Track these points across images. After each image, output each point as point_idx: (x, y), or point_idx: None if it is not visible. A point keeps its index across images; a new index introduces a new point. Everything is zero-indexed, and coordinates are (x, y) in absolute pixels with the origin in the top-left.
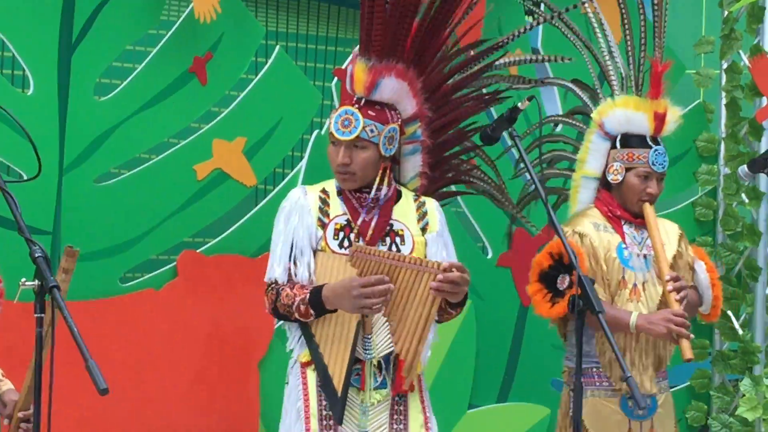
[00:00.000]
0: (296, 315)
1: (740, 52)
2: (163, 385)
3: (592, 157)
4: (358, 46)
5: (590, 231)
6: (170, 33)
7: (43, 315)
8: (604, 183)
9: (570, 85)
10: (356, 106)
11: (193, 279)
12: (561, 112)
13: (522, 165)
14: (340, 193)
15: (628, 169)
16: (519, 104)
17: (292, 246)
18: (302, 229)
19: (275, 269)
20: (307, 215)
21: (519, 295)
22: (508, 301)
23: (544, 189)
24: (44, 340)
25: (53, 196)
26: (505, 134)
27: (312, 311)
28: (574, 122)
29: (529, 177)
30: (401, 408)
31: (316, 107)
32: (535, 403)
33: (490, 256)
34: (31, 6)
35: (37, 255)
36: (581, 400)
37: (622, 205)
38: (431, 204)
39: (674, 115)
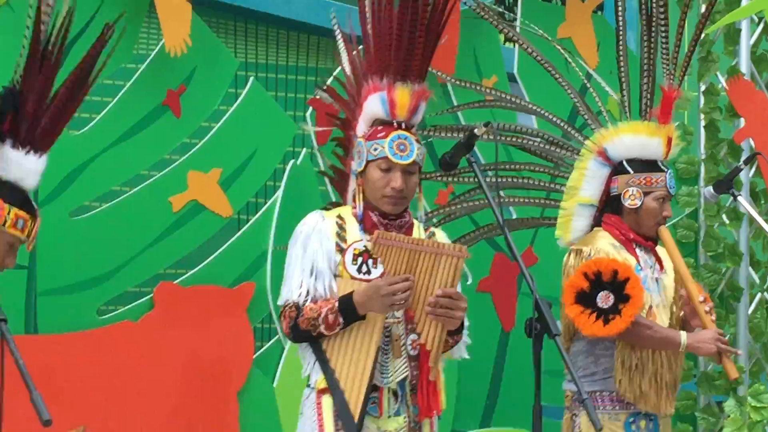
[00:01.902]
0: (321, 327)
1: (718, 74)
2: (142, 417)
3: (588, 183)
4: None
5: (612, 251)
6: (143, 67)
7: None
8: (611, 208)
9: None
10: (405, 130)
11: (170, 310)
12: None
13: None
14: (361, 220)
15: (646, 193)
16: (476, 130)
17: (312, 269)
18: (321, 252)
19: (294, 291)
20: (326, 240)
21: (500, 320)
22: (489, 326)
23: (502, 215)
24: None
25: None
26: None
27: (341, 320)
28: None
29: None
30: None
31: (291, 137)
32: (517, 427)
33: (470, 282)
34: (2, 42)
35: None
36: (540, 423)
37: (634, 229)
38: (441, 234)
39: (677, 138)
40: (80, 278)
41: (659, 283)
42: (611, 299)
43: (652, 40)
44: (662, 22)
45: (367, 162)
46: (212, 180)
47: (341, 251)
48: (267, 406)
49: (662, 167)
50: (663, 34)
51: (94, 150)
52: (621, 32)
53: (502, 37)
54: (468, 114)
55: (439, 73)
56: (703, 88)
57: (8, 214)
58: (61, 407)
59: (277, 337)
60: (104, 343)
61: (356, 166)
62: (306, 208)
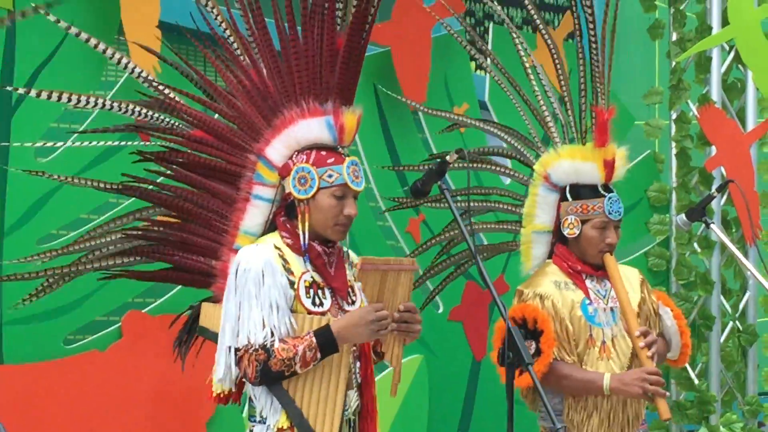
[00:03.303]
0: (297, 366)
1: (689, 102)
2: None
3: (541, 210)
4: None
5: (552, 291)
6: (111, 93)
7: None
8: (559, 237)
9: (502, 134)
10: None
11: (138, 339)
12: (509, 163)
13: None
14: (306, 250)
15: (584, 222)
16: (447, 157)
17: (271, 307)
18: (277, 288)
19: (257, 333)
20: (279, 275)
21: (471, 349)
22: (460, 355)
23: (474, 243)
24: None
25: None
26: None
27: (319, 355)
28: (506, 170)
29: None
30: None
31: None
32: None
33: (441, 310)
34: None
35: None
36: None
37: (581, 259)
38: (353, 255)
39: (622, 159)
40: (47, 307)
41: (615, 312)
42: (533, 348)
43: (591, 61)
44: (592, 39)
45: (318, 189)
46: None
47: (292, 285)
48: None
49: (602, 192)
50: (594, 53)
51: None
52: (554, 54)
53: (473, 64)
54: (439, 142)
55: (409, 102)
56: (674, 116)
57: None
58: None
59: None
60: (72, 372)
61: (299, 193)
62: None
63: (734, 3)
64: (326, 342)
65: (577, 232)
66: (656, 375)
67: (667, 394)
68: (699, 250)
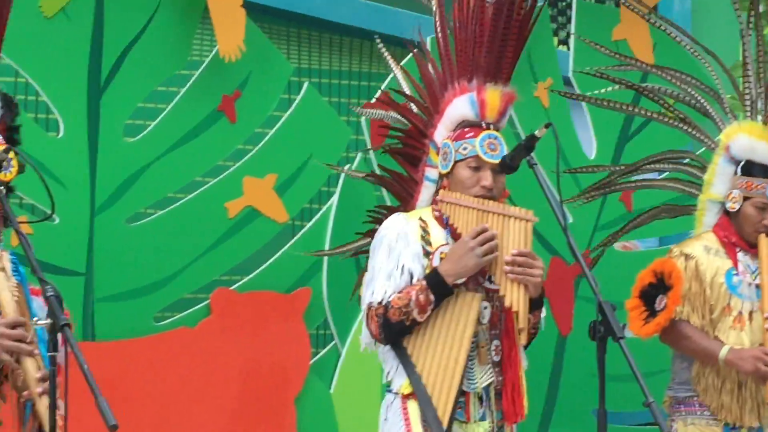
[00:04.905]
0: (414, 312)
1: None
2: (199, 423)
3: (719, 180)
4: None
5: (699, 253)
6: (198, 73)
7: (56, 354)
8: (724, 208)
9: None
10: (495, 130)
11: (227, 316)
12: None
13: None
14: (447, 224)
15: (746, 198)
16: (536, 132)
17: (398, 270)
18: (410, 254)
19: (377, 293)
20: (414, 243)
21: (557, 325)
22: (546, 330)
23: (564, 217)
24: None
25: (86, 238)
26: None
27: (432, 297)
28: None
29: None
30: None
31: (346, 142)
32: None
33: None
34: (59, 50)
35: (48, 294)
36: (605, 428)
37: (738, 233)
38: None
39: None
40: (137, 285)
41: (759, 289)
42: (663, 303)
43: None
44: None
45: (455, 162)
46: (268, 186)
47: (427, 255)
48: (324, 411)
49: None
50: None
51: (149, 157)
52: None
53: (555, 39)
54: (523, 118)
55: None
56: None
57: None
58: (119, 413)
59: (333, 343)
60: (162, 349)
61: (442, 168)
62: (361, 213)
63: None
64: (436, 282)
65: (738, 207)
66: None
67: None
68: None
